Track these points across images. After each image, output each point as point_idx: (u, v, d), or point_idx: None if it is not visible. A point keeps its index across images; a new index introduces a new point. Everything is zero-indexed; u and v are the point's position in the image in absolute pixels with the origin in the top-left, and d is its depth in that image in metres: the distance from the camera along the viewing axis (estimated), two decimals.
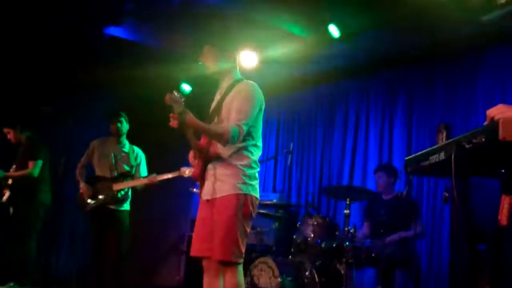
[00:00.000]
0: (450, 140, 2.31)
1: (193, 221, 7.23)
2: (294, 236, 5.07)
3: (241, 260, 3.13)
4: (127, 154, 5.43)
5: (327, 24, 5.50)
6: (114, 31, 6.22)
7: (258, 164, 3.26)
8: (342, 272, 4.58)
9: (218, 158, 3.19)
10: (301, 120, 7.39)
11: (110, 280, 5.11)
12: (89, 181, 5.30)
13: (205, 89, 7.31)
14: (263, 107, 3.28)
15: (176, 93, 3.01)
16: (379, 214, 5.20)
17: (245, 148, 3.19)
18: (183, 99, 3.03)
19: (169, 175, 5.01)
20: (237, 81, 3.33)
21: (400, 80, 6.30)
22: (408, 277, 4.98)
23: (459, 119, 5.52)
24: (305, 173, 7.14)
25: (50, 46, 6.48)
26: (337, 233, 5.00)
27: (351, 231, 4.71)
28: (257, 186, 3.22)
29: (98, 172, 5.37)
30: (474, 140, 2.12)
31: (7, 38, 6.24)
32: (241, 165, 3.15)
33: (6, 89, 6.85)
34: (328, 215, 6.36)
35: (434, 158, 2.45)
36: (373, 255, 4.77)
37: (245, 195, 3.12)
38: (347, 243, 4.67)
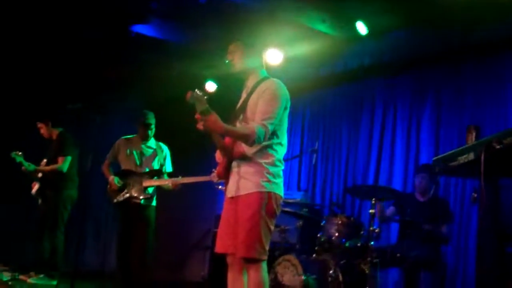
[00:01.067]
0: (479, 141, 2.29)
1: (218, 217, 7.24)
2: (318, 235, 5.05)
3: (265, 257, 3.14)
4: (155, 150, 5.47)
5: (355, 22, 5.46)
6: (141, 29, 6.28)
7: (283, 162, 3.26)
8: (367, 271, 4.55)
9: (242, 156, 3.20)
10: (326, 118, 7.35)
11: (135, 275, 5.16)
12: (118, 174, 5.33)
13: (230, 87, 7.39)
14: (288, 105, 3.27)
15: (198, 91, 3.02)
16: (412, 214, 5.13)
17: (270, 146, 3.19)
18: (205, 97, 3.03)
19: (200, 179, 4.98)
20: (263, 79, 3.32)
21: (428, 79, 6.20)
22: (433, 279, 4.91)
23: (488, 119, 5.41)
24: (330, 172, 7.10)
25: (78, 45, 6.58)
26: (362, 232, 4.96)
27: (376, 230, 4.66)
28: (281, 185, 3.22)
29: (125, 167, 5.40)
30: (504, 141, 2.10)
31: (38, 36, 6.36)
32: (265, 163, 3.15)
33: (37, 87, 7.00)
34: (352, 214, 6.32)
35: (463, 159, 2.43)
36: (398, 255, 4.72)
37: (269, 193, 3.12)
38: (372, 242, 4.63)
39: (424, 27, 5.34)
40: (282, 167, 3.25)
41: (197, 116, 3.04)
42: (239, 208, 3.17)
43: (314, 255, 5.02)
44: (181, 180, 5.10)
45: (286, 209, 5.52)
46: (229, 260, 3.29)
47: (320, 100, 7.45)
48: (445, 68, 6.04)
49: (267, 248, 3.13)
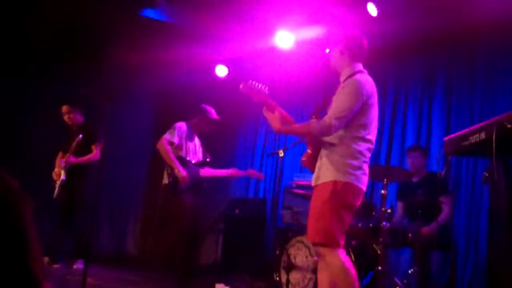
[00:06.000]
0: (491, 120, 2.29)
1: (231, 202, 7.38)
2: None
3: (336, 244, 3.19)
4: (200, 142, 5.60)
5: (366, 3, 5.42)
6: (150, 13, 6.27)
7: (365, 155, 3.28)
8: (379, 252, 4.58)
9: (324, 147, 3.33)
10: None
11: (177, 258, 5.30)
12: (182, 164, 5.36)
13: (242, 70, 7.40)
14: (371, 100, 3.30)
15: (251, 82, 3.17)
16: (416, 194, 5.15)
17: (350, 138, 3.25)
18: (260, 86, 3.27)
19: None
20: (350, 76, 3.37)
21: (440, 61, 6.18)
22: (445, 259, 4.94)
23: (499, 103, 5.40)
24: None
25: (87, 29, 6.57)
26: (374, 213, 4.98)
27: (388, 211, 4.68)
28: (362, 177, 3.26)
29: (184, 156, 5.42)
30: None
31: (47, 19, 6.33)
32: (344, 154, 3.23)
33: (47, 71, 6.98)
34: (365, 195, 6.32)
35: (474, 138, 2.44)
36: (410, 235, 4.75)
37: (345, 183, 3.19)
38: (384, 223, 4.65)
39: (436, 9, 5.29)
40: (363, 160, 3.27)
41: (264, 111, 3.36)
42: (314, 196, 3.33)
43: None
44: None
45: (298, 191, 5.56)
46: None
47: (331, 83, 7.38)
48: (458, 51, 6.00)
49: (337, 236, 3.18)
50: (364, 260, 4.67)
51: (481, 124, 2.42)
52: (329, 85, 7.36)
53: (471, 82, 5.81)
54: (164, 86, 7.72)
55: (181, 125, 5.44)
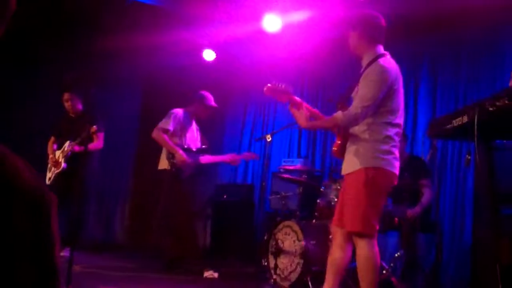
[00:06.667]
0: (473, 103, 2.29)
1: (219, 187, 7.38)
2: (318, 201, 5.09)
3: (372, 233, 3.21)
4: (198, 129, 5.64)
5: None
6: None
7: (394, 139, 3.29)
8: None
9: (353, 135, 3.34)
10: (325, 85, 7.33)
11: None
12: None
13: (229, 54, 7.36)
14: (397, 85, 3.30)
15: (274, 83, 3.24)
16: (403, 177, 5.16)
17: (378, 125, 3.25)
18: (283, 85, 3.35)
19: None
20: (373, 60, 3.36)
21: (426, 46, 6.19)
22: (430, 241, 4.98)
23: (483, 86, 5.42)
24: (330, 138, 7.11)
25: (73, 12, 6.48)
26: None
27: None
28: (393, 161, 3.26)
29: (182, 143, 5.46)
30: (497, 103, 2.10)
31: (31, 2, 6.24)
32: (373, 140, 3.24)
33: (31, 57, 6.89)
34: None
35: (457, 121, 2.44)
36: (396, 219, 4.77)
37: (376, 168, 3.20)
38: None
39: None
40: (392, 144, 3.27)
41: (290, 109, 3.43)
42: (346, 185, 3.34)
43: (314, 221, 5.08)
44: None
45: (286, 175, 5.57)
46: (332, 232, 3.47)
47: (319, 67, 7.41)
48: (442, 34, 6.00)
49: (374, 223, 3.21)
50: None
51: (464, 107, 2.42)
52: (318, 69, 7.40)
53: (456, 66, 5.83)
54: (151, 71, 7.66)
55: (178, 112, 5.45)
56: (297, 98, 3.48)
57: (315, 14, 6.03)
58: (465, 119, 2.34)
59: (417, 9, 5.60)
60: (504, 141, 2.69)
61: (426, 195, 5.05)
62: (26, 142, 6.06)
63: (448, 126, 2.53)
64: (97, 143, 5.86)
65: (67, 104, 5.97)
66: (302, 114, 3.40)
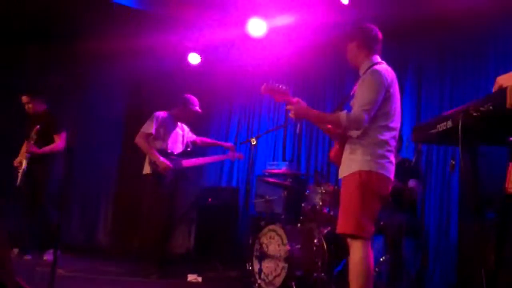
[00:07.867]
0: (457, 108, 2.30)
1: (203, 191, 7.34)
2: (303, 204, 5.09)
3: (365, 235, 3.22)
4: (183, 132, 5.64)
5: None
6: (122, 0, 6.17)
7: (389, 143, 3.32)
8: None
9: (349, 139, 3.38)
10: (310, 88, 7.34)
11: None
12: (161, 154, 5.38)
13: (214, 58, 7.34)
14: (392, 89, 3.34)
15: (272, 82, 3.22)
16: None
17: (374, 129, 3.29)
18: (281, 86, 3.36)
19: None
20: (368, 69, 3.42)
21: (410, 50, 6.21)
22: (416, 246, 4.99)
23: (469, 90, 5.46)
24: (315, 142, 7.12)
25: (58, 15, 6.44)
26: None
27: None
28: (387, 165, 3.29)
29: (165, 146, 5.46)
30: (481, 108, 2.11)
31: (17, 5, 6.18)
32: (368, 144, 3.28)
33: (15, 59, 6.83)
34: (337, 183, 6.34)
35: (441, 126, 2.45)
36: (381, 223, 4.77)
37: (370, 172, 3.23)
38: None
39: None
40: (388, 149, 3.31)
41: (286, 107, 3.42)
42: (342, 188, 3.38)
43: (299, 225, 5.07)
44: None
45: (271, 179, 5.56)
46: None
47: (304, 70, 7.42)
48: (427, 39, 6.04)
49: (366, 226, 3.23)
50: (336, 249, 4.68)
51: (448, 112, 2.43)
52: (303, 73, 7.41)
53: (440, 70, 5.86)
54: (136, 74, 7.62)
55: (161, 114, 5.47)
56: (294, 99, 3.49)
57: (299, 18, 6.05)
58: (450, 124, 2.36)
59: (401, 14, 5.65)
60: (489, 146, 2.71)
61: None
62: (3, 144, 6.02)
63: (432, 131, 2.54)
64: (54, 145, 5.81)
65: (27, 107, 5.95)
66: (300, 103, 3.43)
